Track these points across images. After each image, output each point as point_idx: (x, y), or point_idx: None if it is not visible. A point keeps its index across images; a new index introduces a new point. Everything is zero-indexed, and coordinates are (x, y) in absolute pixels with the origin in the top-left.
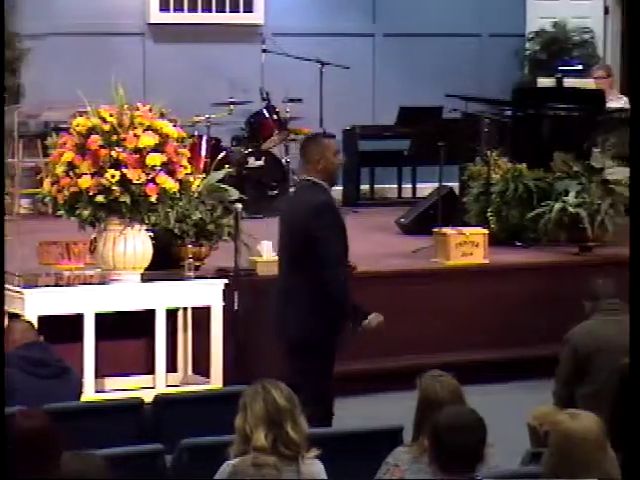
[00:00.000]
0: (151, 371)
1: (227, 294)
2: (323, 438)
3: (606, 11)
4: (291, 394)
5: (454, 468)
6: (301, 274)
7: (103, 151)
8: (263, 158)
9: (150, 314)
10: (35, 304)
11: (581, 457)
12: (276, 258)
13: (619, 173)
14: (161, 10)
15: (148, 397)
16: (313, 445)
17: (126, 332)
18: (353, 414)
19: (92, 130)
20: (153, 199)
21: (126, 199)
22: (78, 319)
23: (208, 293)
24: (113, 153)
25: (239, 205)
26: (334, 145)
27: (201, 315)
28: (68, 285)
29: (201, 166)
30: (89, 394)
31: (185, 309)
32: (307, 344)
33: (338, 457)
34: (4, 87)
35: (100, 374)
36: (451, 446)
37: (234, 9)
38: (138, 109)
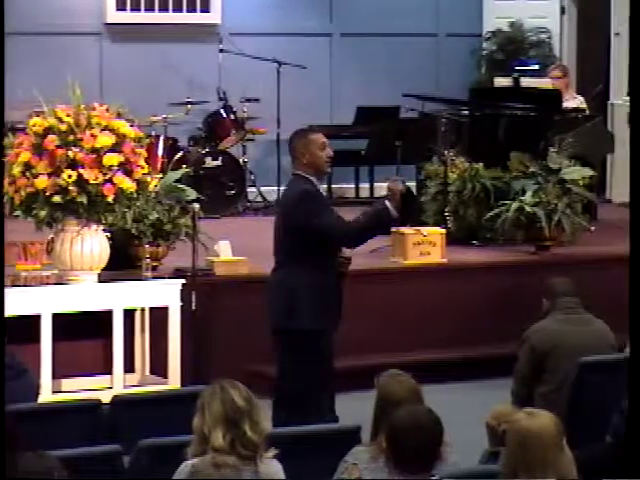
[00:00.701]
0: (109, 372)
1: (184, 294)
2: (282, 438)
3: (562, 11)
4: (249, 394)
5: (410, 468)
6: (290, 265)
7: (60, 151)
8: (220, 158)
9: (107, 314)
10: None
11: (538, 455)
12: (233, 258)
13: (575, 173)
14: (118, 10)
15: (106, 398)
16: (272, 445)
17: (83, 333)
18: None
19: (49, 130)
20: (110, 199)
21: (83, 199)
22: (35, 320)
23: (165, 293)
24: (70, 153)
25: (196, 205)
26: (320, 139)
27: (159, 315)
28: (25, 285)
29: (158, 166)
30: (46, 395)
31: (142, 309)
32: (288, 334)
33: (297, 457)
34: (4, 87)
35: (57, 375)
36: (407, 446)
37: (191, 9)
38: (95, 109)
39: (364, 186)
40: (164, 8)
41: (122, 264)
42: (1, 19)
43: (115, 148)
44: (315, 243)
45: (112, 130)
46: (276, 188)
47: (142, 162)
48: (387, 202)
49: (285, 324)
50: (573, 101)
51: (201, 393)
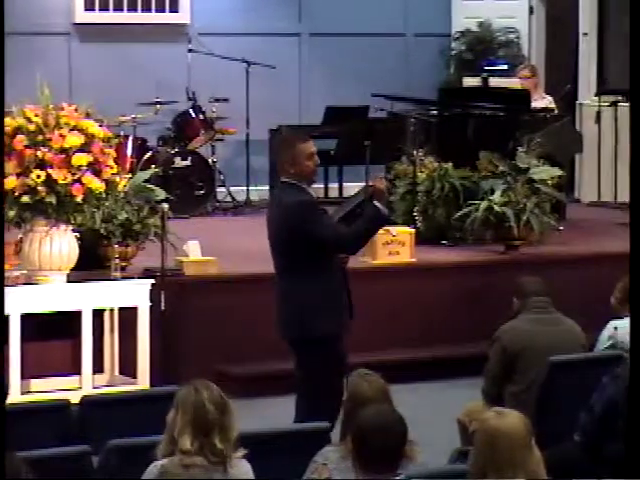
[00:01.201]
0: (78, 372)
1: (154, 294)
2: (251, 438)
3: (531, 11)
4: (223, 399)
5: (376, 468)
6: (294, 273)
7: (28, 151)
8: (189, 158)
9: (76, 315)
10: None
11: (506, 455)
12: (202, 258)
13: (544, 172)
14: (86, 10)
15: (75, 398)
16: (241, 445)
17: (52, 333)
18: (282, 413)
19: (17, 130)
20: (79, 199)
21: (52, 199)
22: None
23: (135, 293)
24: (39, 153)
25: (165, 205)
26: (308, 148)
27: (128, 315)
28: None
29: (127, 166)
30: (15, 396)
31: (112, 309)
32: (305, 343)
33: (266, 457)
34: (4, 87)
35: (26, 375)
36: (372, 446)
37: (160, 9)
38: (64, 109)
39: (333, 186)
40: (133, 8)
41: (91, 264)
42: (1, 19)
43: (84, 148)
44: (315, 250)
45: (81, 130)
46: (245, 188)
47: (111, 162)
48: (376, 203)
49: (300, 334)
50: (542, 101)
51: (177, 392)
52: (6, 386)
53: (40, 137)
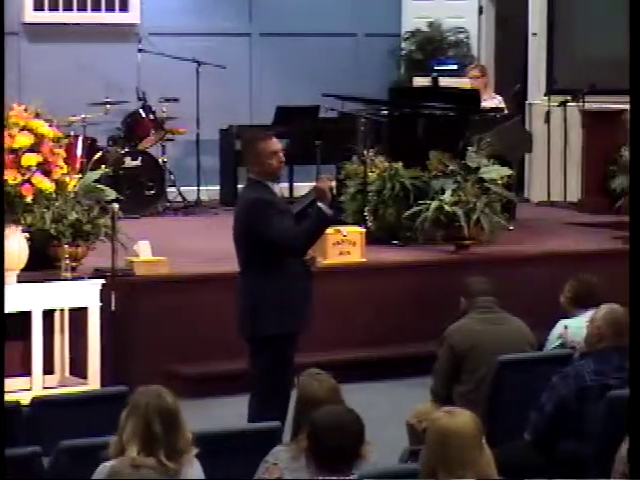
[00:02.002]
0: (28, 373)
1: (104, 294)
2: (202, 438)
3: (480, 11)
4: (174, 414)
5: (331, 467)
6: (249, 271)
7: None
8: (140, 158)
9: (26, 315)
10: None
11: (457, 454)
12: (153, 258)
13: (494, 172)
14: (35, 10)
15: (25, 399)
16: (193, 444)
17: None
18: (233, 413)
19: None
20: (29, 199)
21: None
22: None
23: (85, 294)
24: None
25: (116, 205)
26: (268, 148)
27: (78, 316)
28: None
29: (77, 166)
30: None
31: (62, 310)
32: (255, 341)
33: (217, 456)
34: (4, 87)
35: None
36: (328, 445)
37: (110, 9)
38: (13, 109)
39: (283, 186)
40: (82, 8)
41: (41, 265)
42: (1, 19)
43: (34, 148)
44: (268, 249)
45: (30, 130)
46: (196, 188)
47: (61, 162)
48: (319, 203)
49: (250, 333)
50: (491, 101)
51: (132, 394)
52: None
53: None
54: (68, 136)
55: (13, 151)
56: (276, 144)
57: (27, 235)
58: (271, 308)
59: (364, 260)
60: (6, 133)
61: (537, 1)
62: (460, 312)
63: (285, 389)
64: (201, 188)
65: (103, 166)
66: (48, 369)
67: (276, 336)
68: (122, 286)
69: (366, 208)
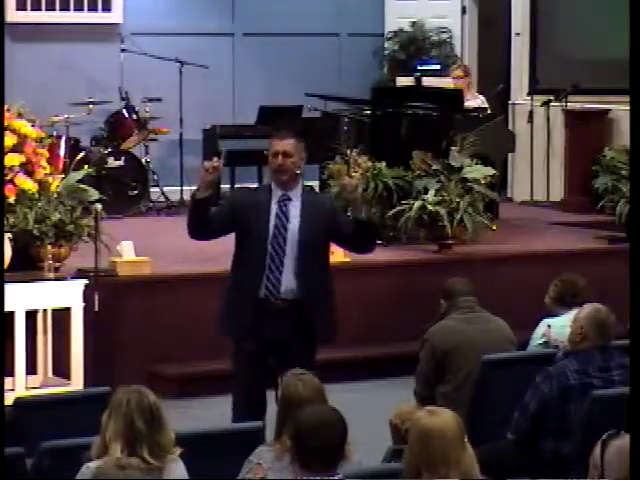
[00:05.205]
0: (10, 373)
1: (87, 295)
2: (185, 438)
3: (463, 11)
4: (156, 414)
5: (315, 467)
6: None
7: None
8: (123, 158)
9: (9, 316)
10: None
11: (439, 453)
12: (136, 258)
13: (477, 172)
14: (18, 9)
15: (8, 400)
16: (176, 444)
17: None
18: (216, 413)
19: None
20: (11, 200)
21: None
22: None
23: (68, 294)
24: None
25: (99, 205)
26: (273, 146)
27: (61, 316)
28: None
29: (60, 166)
30: None
31: (45, 310)
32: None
33: (201, 456)
34: (4, 87)
35: None
36: (312, 445)
37: (92, 8)
38: None
39: None
40: (65, 8)
41: (24, 265)
42: (1, 19)
43: (16, 148)
44: (236, 245)
45: (13, 130)
46: (179, 188)
47: (44, 162)
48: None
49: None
50: (475, 100)
51: (113, 394)
52: None
53: None
54: (51, 136)
55: None
56: (277, 145)
57: (10, 235)
58: (226, 308)
59: (347, 260)
60: None
61: (520, 1)
62: (440, 313)
63: (254, 390)
64: (184, 188)
65: (86, 166)
66: (31, 369)
67: (231, 336)
68: (105, 286)
69: (349, 208)
